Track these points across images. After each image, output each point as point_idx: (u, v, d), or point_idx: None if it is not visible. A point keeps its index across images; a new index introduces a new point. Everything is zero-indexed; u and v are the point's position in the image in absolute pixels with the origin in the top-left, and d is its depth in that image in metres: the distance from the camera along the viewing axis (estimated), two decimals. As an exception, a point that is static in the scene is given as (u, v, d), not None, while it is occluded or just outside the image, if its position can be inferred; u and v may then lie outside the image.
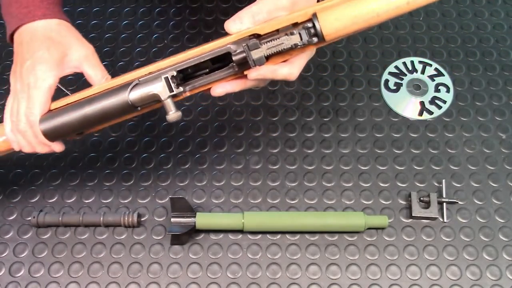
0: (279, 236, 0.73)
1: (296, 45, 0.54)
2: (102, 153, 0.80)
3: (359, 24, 0.54)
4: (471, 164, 0.78)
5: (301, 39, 0.54)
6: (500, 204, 0.75)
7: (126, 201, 0.76)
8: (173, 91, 0.56)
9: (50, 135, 0.61)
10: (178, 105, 0.57)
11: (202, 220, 0.71)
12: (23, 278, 0.70)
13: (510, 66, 0.87)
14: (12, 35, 0.63)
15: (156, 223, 0.74)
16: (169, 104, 0.56)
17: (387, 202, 0.75)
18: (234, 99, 0.84)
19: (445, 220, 0.74)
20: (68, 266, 0.71)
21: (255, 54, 0.55)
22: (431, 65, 0.87)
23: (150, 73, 0.58)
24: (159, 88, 0.56)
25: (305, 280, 0.70)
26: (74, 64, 0.62)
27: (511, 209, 0.75)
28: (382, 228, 0.73)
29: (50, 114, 0.60)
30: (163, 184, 0.77)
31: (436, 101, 0.84)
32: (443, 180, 0.75)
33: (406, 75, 0.86)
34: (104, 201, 0.76)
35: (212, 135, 0.81)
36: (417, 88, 0.85)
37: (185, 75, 0.59)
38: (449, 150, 0.80)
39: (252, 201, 0.76)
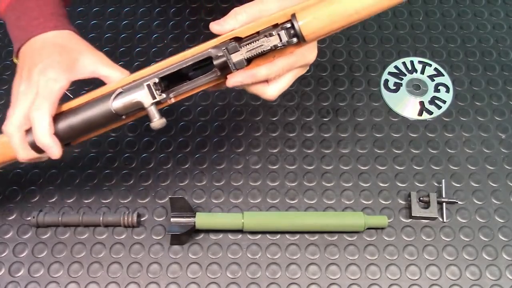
0: (278, 236, 0.73)
1: (276, 46, 0.54)
2: (102, 153, 0.80)
3: (338, 23, 0.53)
4: (470, 164, 0.78)
5: (280, 40, 0.53)
6: (500, 204, 0.75)
7: (125, 201, 0.76)
8: (156, 98, 0.56)
9: (37, 147, 0.58)
10: (164, 112, 0.57)
11: (201, 220, 0.71)
12: (22, 278, 0.70)
13: (509, 66, 0.87)
14: (19, 49, 0.61)
15: (156, 223, 0.74)
16: (153, 111, 0.56)
17: (387, 202, 0.75)
18: (233, 99, 0.84)
19: (444, 220, 0.74)
20: (68, 266, 0.71)
21: (235, 57, 0.55)
22: (430, 65, 0.87)
23: (133, 81, 0.58)
24: (142, 96, 0.56)
25: (304, 280, 0.70)
26: (89, 69, 0.60)
27: (511, 209, 0.75)
28: (382, 228, 0.73)
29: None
30: (162, 184, 0.77)
31: (436, 101, 0.84)
32: (443, 180, 0.75)
33: (405, 75, 0.86)
34: (104, 201, 0.76)
35: (212, 135, 0.81)
36: (416, 88, 0.85)
37: (169, 81, 0.59)
38: (448, 150, 0.80)
39: (251, 201, 0.76)
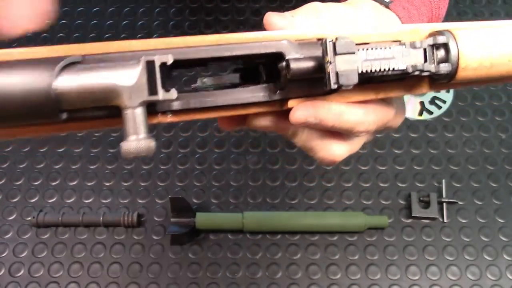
0: (279, 236, 0.73)
1: (414, 68, 0.33)
2: (102, 153, 0.80)
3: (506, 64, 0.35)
4: (471, 164, 0.78)
5: (426, 59, 0.33)
6: (500, 204, 0.75)
7: (125, 201, 0.76)
8: (157, 93, 0.29)
9: None
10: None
11: (202, 220, 0.71)
12: (23, 278, 0.70)
13: (510, 66, 0.87)
14: None
15: (156, 223, 0.74)
16: (137, 119, 0.29)
17: (387, 202, 0.75)
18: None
19: (445, 220, 0.74)
20: (68, 266, 0.71)
21: (344, 64, 0.31)
22: (431, 65, 0.87)
23: (119, 51, 0.32)
24: (129, 80, 0.29)
25: (305, 280, 0.70)
26: None
27: (511, 209, 0.75)
28: (382, 228, 0.73)
29: None
30: (162, 184, 0.77)
31: (436, 101, 0.84)
32: (443, 180, 0.75)
33: (406, 75, 0.86)
34: (104, 201, 0.76)
35: (212, 135, 0.81)
36: (417, 88, 0.85)
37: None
38: (449, 150, 0.80)
39: (252, 201, 0.76)
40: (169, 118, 0.33)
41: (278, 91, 0.34)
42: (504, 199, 0.75)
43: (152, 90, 0.29)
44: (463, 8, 0.94)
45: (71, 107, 0.29)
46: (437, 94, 0.84)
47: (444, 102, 0.84)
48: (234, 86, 0.35)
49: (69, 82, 0.29)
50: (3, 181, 0.78)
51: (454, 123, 0.82)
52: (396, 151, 0.80)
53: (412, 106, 0.83)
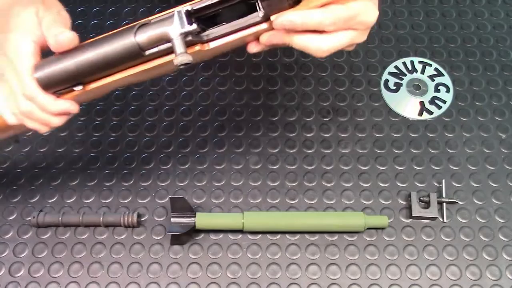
0: (279, 236, 0.73)
1: None
2: (102, 153, 0.80)
3: None
4: (471, 164, 0.78)
5: None
6: (500, 204, 0.75)
7: (126, 201, 0.76)
8: (184, 27, 0.51)
9: (45, 83, 0.55)
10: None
11: (202, 220, 0.71)
12: (23, 278, 0.70)
13: (510, 66, 0.87)
14: None
15: (156, 223, 0.74)
16: (179, 44, 0.51)
17: (387, 202, 0.75)
18: (234, 99, 0.84)
19: (445, 220, 0.74)
20: (68, 266, 0.71)
21: None
22: (431, 65, 0.87)
23: (165, 14, 0.54)
24: (170, 25, 0.51)
25: (305, 280, 0.70)
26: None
27: (511, 209, 0.75)
28: (382, 228, 0.73)
29: (45, 60, 0.56)
30: (163, 184, 0.77)
31: (436, 101, 0.84)
32: (443, 180, 0.75)
33: (406, 75, 0.86)
34: (104, 201, 0.76)
35: (212, 135, 0.81)
36: (417, 88, 0.85)
37: (204, 24, 0.55)
38: (449, 150, 0.80)
39: (252, 201, 0.76)
40: (207, 46, 0.54)
41: (264, 13, 0.52)
42: (504, 199, 0.75)
43: (183, 26, 0.51)
44: (463, 8, 0.94)
45: (148, 47, 0.53)
46: (437, 94, 0.84)
47: (444, 102, 0.84)
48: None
49: (144, 35, 0.52)
50: (3, 181, 0.78)
51: (454, 123, 0.82)
52: (396, 151, 0.80)
53: (412, 106, 0.83)
